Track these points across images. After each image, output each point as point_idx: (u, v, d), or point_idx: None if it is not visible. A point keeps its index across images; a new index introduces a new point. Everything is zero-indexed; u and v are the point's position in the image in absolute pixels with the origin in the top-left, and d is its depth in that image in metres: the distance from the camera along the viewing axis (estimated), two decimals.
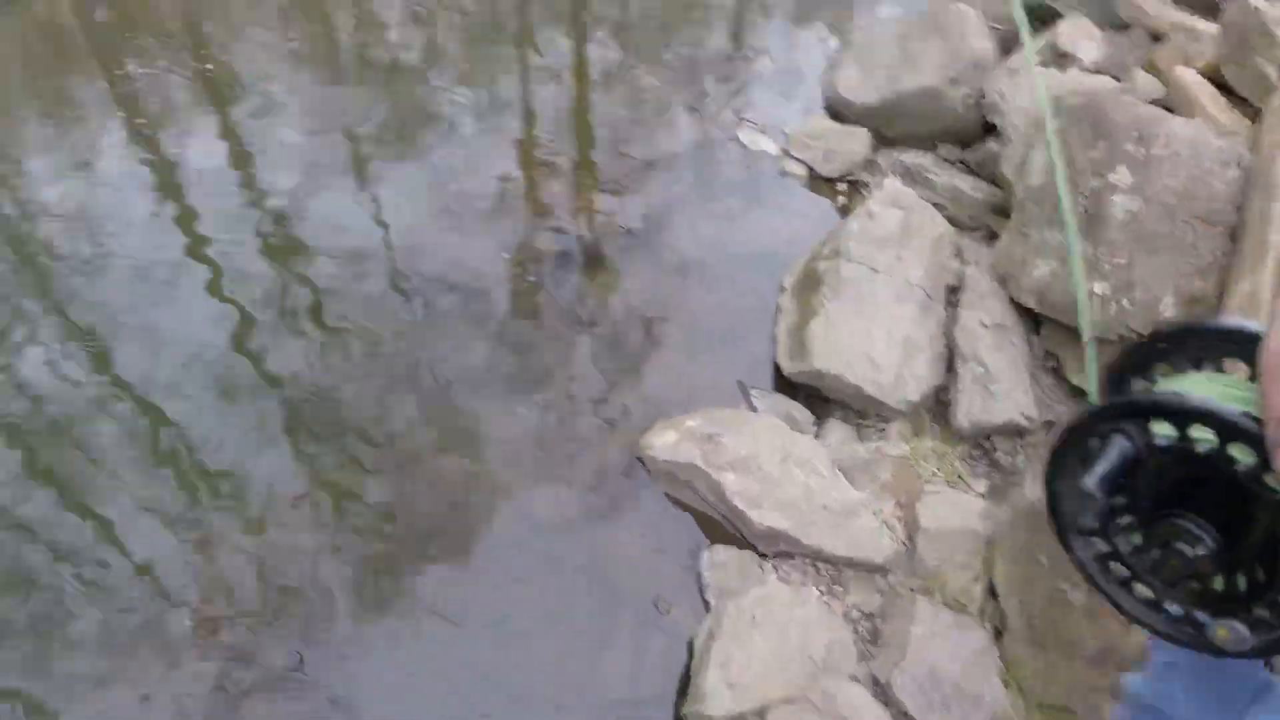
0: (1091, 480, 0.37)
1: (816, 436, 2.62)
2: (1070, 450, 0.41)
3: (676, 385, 2.74)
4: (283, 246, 3.17)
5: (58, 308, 2.91)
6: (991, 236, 3.09)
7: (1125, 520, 0.41)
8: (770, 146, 3.69)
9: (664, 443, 2.47)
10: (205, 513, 2.37)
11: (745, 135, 3.74)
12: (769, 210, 3.44)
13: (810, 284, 2.86)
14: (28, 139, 3.75)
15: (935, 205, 3.14)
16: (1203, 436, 0.37)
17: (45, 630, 2.13)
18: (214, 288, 2.98)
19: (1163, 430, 0.37)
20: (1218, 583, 0.37)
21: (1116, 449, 0.37)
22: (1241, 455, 0.35)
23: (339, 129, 3.64)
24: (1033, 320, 2.72)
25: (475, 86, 3.95)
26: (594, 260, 3.17)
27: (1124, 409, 0.38)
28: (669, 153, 3.64)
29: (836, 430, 2.63)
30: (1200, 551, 0.38)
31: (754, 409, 2.67)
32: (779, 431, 2.49)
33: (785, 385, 2.76)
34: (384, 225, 3.25)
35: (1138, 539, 0.40)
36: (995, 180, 3.24)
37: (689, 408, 2.60)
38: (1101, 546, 0.40)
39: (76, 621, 2.14)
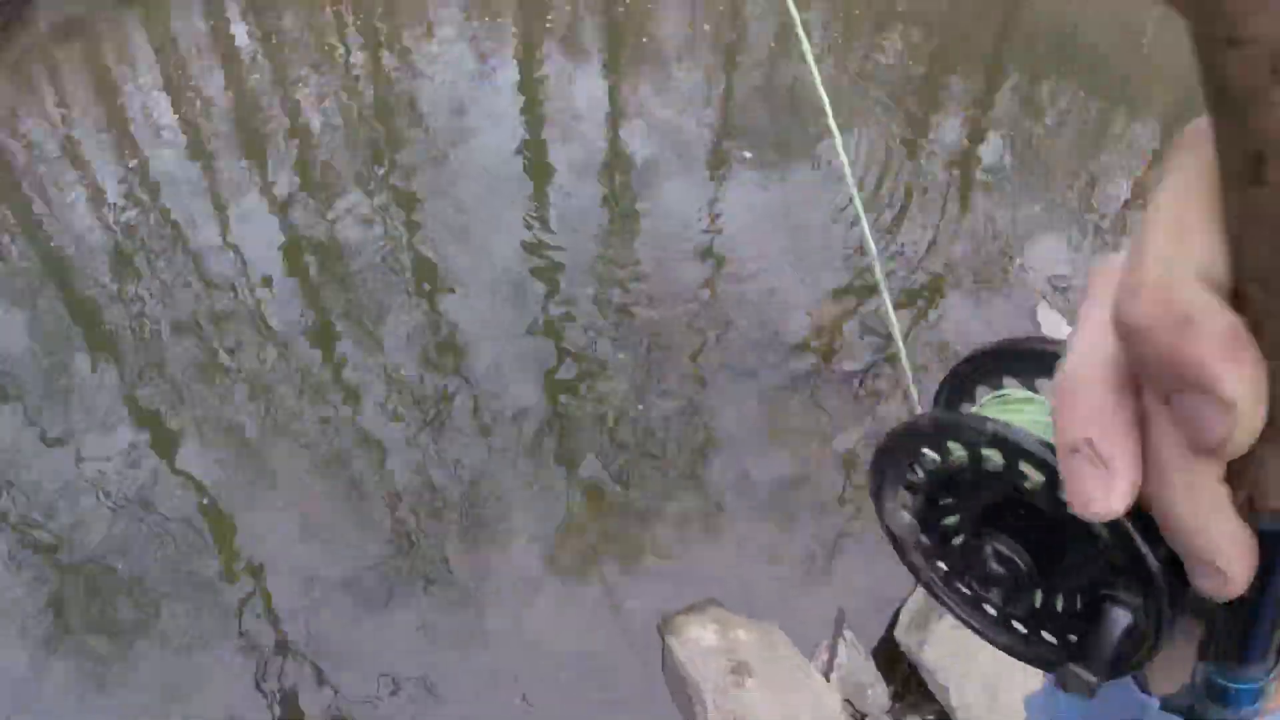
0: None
1: None
2: (888, 460, 0.45)
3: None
4: None
5: None
6: None
7: (950, 521, 0.46)
8: None
9: (694, 639, 2.11)
10: None
11: None
12: None
13: None
14: None
15: None
16: (993, 457, 0.41)
17: None
18: None
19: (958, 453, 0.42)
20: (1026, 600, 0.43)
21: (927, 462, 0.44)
22: (1032, 476, 0.39)
23: None
24: None
25: None
26: None
27: (925, 430, 0.43)
28: None
29: None
30: (1010, 569, 0.43)
31: (827, 660, 2.21)
32: (825, 714, 2.02)
33: (890, 649, 2.29)
34: None
35: (959, 541, 0.46)
36: None
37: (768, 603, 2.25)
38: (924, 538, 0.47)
39: None
